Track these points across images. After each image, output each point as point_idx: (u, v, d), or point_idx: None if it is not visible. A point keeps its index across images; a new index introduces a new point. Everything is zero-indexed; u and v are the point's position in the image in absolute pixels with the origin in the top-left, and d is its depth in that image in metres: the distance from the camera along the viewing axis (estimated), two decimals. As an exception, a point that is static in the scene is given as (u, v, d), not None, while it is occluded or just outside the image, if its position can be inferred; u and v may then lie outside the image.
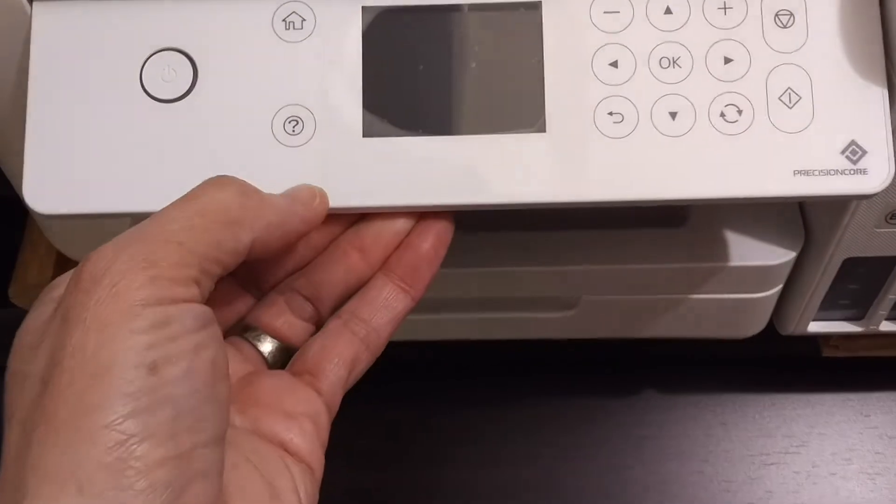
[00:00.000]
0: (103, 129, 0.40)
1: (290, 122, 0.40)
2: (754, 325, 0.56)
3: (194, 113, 0.40)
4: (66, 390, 0.30)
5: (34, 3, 0.40)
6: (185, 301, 0.32)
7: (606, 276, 0.52)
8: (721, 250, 0.51)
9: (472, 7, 0.40)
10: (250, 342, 0.42)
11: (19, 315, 0.60)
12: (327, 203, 0.39)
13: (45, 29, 0.40)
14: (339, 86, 0.40)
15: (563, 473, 0.64)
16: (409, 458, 0.65)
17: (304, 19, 0.40)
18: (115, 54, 0.40)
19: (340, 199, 0.40)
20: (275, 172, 0.39)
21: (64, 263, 0.62)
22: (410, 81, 0.40)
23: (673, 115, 0.39)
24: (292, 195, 0.38)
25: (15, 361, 0.33)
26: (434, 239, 0.41)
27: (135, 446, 0.29)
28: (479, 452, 0.65)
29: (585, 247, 0.51)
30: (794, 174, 0.38)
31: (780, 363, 0.65)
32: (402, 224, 0.41)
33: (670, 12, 0.40)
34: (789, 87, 0.39)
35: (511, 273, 0.51)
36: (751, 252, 0.51)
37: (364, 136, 0.40)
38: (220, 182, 0.36)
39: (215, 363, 0.33)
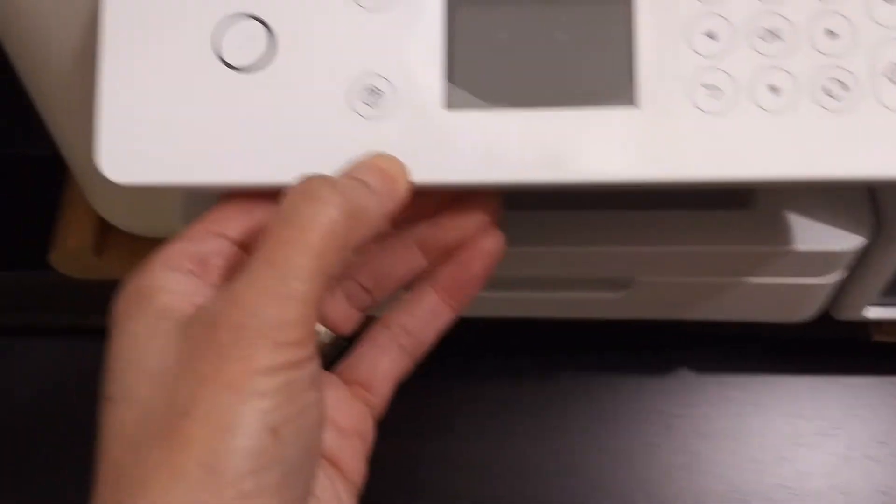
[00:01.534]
0: (178, 97, 0.38)
1: (368, 93, 0.38)
2: (810, 310, 0.55)
3: (270, 82, 0.38)
4: (193, 443, 0.32)
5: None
6: (304, 361, 0.33)
7: (665, 258, 0.50)
8: (788, 234, 0.49)
9: (561, -26, 0.38)
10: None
11: (58, 278, 0.59)
12: (410, 187, 0.37)
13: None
14: (421, 55, 0.38)
15: (588, 451, 0.62)
16: (429, 429, 0.64)
17: (385, -16, 0.38)
18: (189, 19, 0.38)
19: (420, 174, 0.37)
20: (351, 145, 0.38)
21: (105, 228, 0.60)
22: (494, 51, 0.38)
23: (774, 90, 0.37)
24: (380, 187, 0.37)
25: (130, 377, 0.34)
26: (485, 260, 0.41)
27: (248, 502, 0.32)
28: (502, 426, 0.63)
29: (643, 227, 0.50)
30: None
31: (822, 345, 0.63)
32: (467, 230, 0.41)
33: (770, -18, 0.38)
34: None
35: (565, 253, 0.50)
36: (819, 236, 0.49)
37: (446, 108, 0.38)
38: (322, 199, 0.34)
39: (321, 418, 0.35)
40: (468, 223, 0.41)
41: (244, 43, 0.38)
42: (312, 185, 0.35)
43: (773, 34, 0.37)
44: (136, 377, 0.34)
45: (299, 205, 0.34)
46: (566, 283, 0.54)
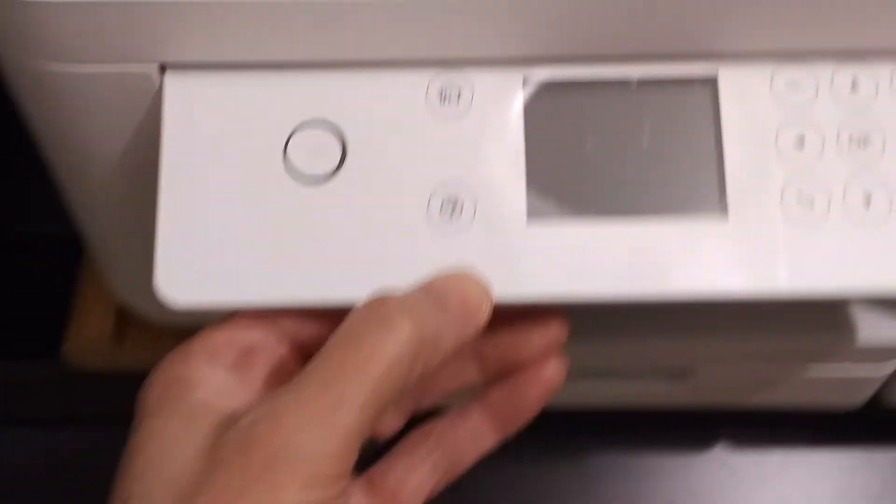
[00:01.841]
0: (243, 211, 0.36)
1: (446, 205, 0.36)
2: (864, 396, 0.54)
3: (343, 193, 0.36)
4: None
5: (166, 74, 0.36)
6: (336, 496, 0.31)
7: (728, 350, 0.49)
8: (851, 325, 0.48)
9: (643, 82, 0.37)
10: None
11: (71, 371, 0.56)
12: (490, 308, 0.35)
13: (179, 100, 0.36)
14: (501, 165, 0.36)
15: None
16: None
17: (462, 91, 0.36)
18: (255, 128, 0.36)
19: (502, 289, 0.36)
20: (429, 261, 0.36)
21: (126, 318, 0.57)
22: (577, 160, 0.37)
23: (867, 198, 0.36)
24: (460, 314, 0.34)
25: (151, 481, 0.31)
26: (544, 389, 0.39)
27: None
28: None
29: (705, 317, 0.48)
30: None
31: (863, 417, 0.61)
32: (531, 352, 0.38)
33: (856, 87, 0.37)
34: None
35: (626, 345, 0.48)
36: (882, 327, 0.48)
37: (529, 219, 0.36)
38: (393, 325, 0.32)
39: None
40: (534, 343, 0.38)
41: (315, 151, 0.36)
42: (385, 307, 0.32)
43: (863, 140, 0.36)
44: (156, 482, 0.31)
45: (367, 327, 0.32)
46: (625, 372, 0.53)
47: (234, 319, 0.35)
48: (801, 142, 0.36)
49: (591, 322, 0.48)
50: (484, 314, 0.35)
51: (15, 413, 0.64)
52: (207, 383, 0.33)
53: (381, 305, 0.32)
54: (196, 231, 0.35)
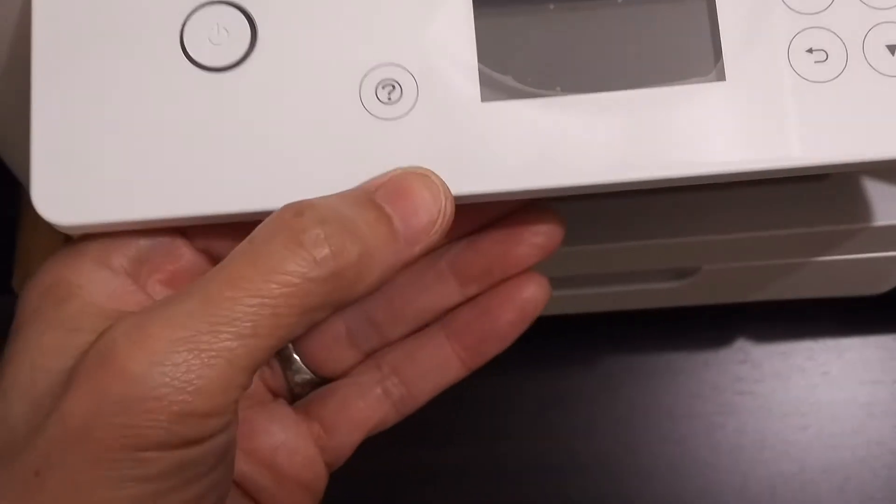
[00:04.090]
0: (133, 110, 0.30)
1: (383, 88, 0.30)
2: (888, 283, 0.48)
3: (254, 83, 0.30)
4: None
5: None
6: (215, 434, 0.25)
7: (733, 245, 0.43)
8: (869, 207, 0.42)
9: (615, -81, 0.30)
10: (283, 372, 0.33)
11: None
12: (448, 220, 0.29)
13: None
14: (447, 36, 0.30)
15: (645, 437, 0.55)
16: (476, 429, 0.56)
17: (394, -51, 0.30)
18: (145, 9, 0.30)
19: (457, 184, 0.30)
20: (367, 155, 0.30)
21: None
22: (539, 25, 0.30)
23: (892, 48, 0.29)
24: (406, 227, 0.28)
25: (15, 391, 0.26)
26: (519, 311, 0.33)
27: None
28: (551, 420, 0.56)
29: (707, 211, 0.42)
30: None
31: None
32: (518, 259, 0.32)
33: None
34: None
35: (623, 249, 0.42)
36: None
37: (483, 100, 0.30)
38: (299, 237, 0.26)
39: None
40: (523, 249, 0.32)
41: (218, 37, 0.30)
42: (298, 219, 0.26)
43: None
44: (18, 404, 0.26)
45: (272, 241, 0.26)
46: (624, 277, 0.47)
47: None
48: (809, -17, 0.30)
49: (579, 224, 0.42)
50: (436, 228, 0.28)
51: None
52: (94, 288, 0.28)
53: (293, 216, 0.26)
54: (77, 137, 0.29)
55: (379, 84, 0.30)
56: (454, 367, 0.33)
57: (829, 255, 0.44)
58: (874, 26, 0.30)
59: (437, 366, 0.33)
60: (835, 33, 0.30)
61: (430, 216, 0.28)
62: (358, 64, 0.30)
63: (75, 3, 0.29)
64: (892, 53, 0.30)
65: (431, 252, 0.31)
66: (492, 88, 0.30)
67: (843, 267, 0.45)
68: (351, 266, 0.26)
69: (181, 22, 0.30)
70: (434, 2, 0.30)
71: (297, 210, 0.26)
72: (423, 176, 0.28)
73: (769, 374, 0.57)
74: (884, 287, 0.49)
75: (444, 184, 0.28)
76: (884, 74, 0.29)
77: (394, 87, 0.30)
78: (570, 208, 0.37)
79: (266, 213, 0.27)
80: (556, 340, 0.56)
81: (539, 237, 0.33)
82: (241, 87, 0.29)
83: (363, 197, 0.28)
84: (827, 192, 0.42)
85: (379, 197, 0.28)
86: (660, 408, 0.56)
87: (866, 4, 0.30)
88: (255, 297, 0.25)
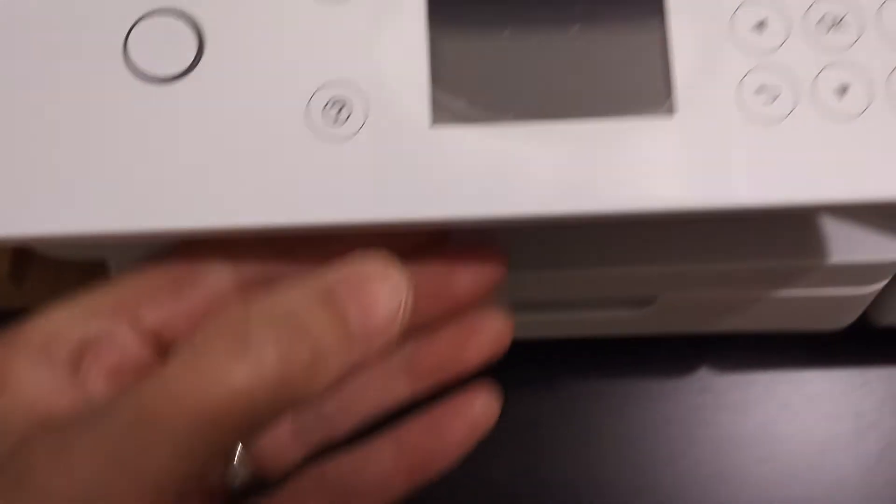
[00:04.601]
0: (72, 119, 0.29)
1: (331, 107, 0.30)
2: (850, 319, 0.48)
3: (199, 96, 0.29)
4: None
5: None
6: None
7: (689, 275, 0.43)
8: (825, 245, 0.42)
9: (572, -48, 0.30)
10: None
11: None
12: (411, 305, 0.27)
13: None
14: (398, 57, 0.30)
15: (604, 463, 0.55)
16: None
17: (348, -32, 0.30)
18: (88, 16, 0.29)
19: (400, 208, 0.29)
20: (310, 176, 0.29)
21: (25, 254, 0.51)
22: (493, 51, 0.30)
23: (842, 90, 0.29)
24: (362, 327, 0.26)
25: None
26: (470, 426, 0.31)
27: None
28: (510, 442, 0.55)
29: (665, 242, 0.42)
30: None
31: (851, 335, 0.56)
32: (468, 363, 0.32)
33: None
34: None
35: (580, 276, 0.42)
36: (862, 245, 0.42)
37: (433, 123, 0.30)
38: (246, 342, 0.24)
39: None
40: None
41: (163, 47, 0.29)
42: (245, 322, 0.24)
43: (836, 22, 0.30)
44: None
45: (216, 344, 0.24)
46: (585, 304, 0.46)
47: (85, 301, 0.29)
48: (762, 25, 0.30)
49: (539, 248, 0.42)
50: (395, 326, 0.26)
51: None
52: (29, 382, 0.26)
53: (241, 317, 0.24)
54: (14, 147, 0.29)
55: (328, 102, 0.29)
56: (397, 485, 0.31)
57: (786, 289, 0.44)
58: (825, 67, 0.29)
59: (381, 482, 0.31)
60: (785, 73, 0.30)
61: (389, 313, 0.26)
62: (308, 79, 0.29)
63: (16, 10, 0.29)
64: (842, 95, 0.29)
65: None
66: (443, 112, 0.30)
67: (801, 302, 0.45)
68: (302, 370, 0.24)
69: (126, 29, 0.29)
70: (389, 22, 0.30)
71: (243, 310, 0.25)
72: (383, 270, 0.27)
73: (729, 404, 0.57)
74: (842, 323, 0.49)
75: (404, 276, 0.27)
76: (832, 116, 0.29)
77: (343, 105, 0.29)
78: (529, 231, 0.37)
79: (200, 232, 0.27)
80: (515, 365, 0.56)
81: (487, 337, 0.32)
82: (182, 99, 0.29)
83: (318, 293, 0.26)
84: (784, 227, 0.42)
85: (336, 294, 0.26)
86: (620, 436, 0.56)
87: (818, 45, 0.30)
88: (192, 412, 0.23)
